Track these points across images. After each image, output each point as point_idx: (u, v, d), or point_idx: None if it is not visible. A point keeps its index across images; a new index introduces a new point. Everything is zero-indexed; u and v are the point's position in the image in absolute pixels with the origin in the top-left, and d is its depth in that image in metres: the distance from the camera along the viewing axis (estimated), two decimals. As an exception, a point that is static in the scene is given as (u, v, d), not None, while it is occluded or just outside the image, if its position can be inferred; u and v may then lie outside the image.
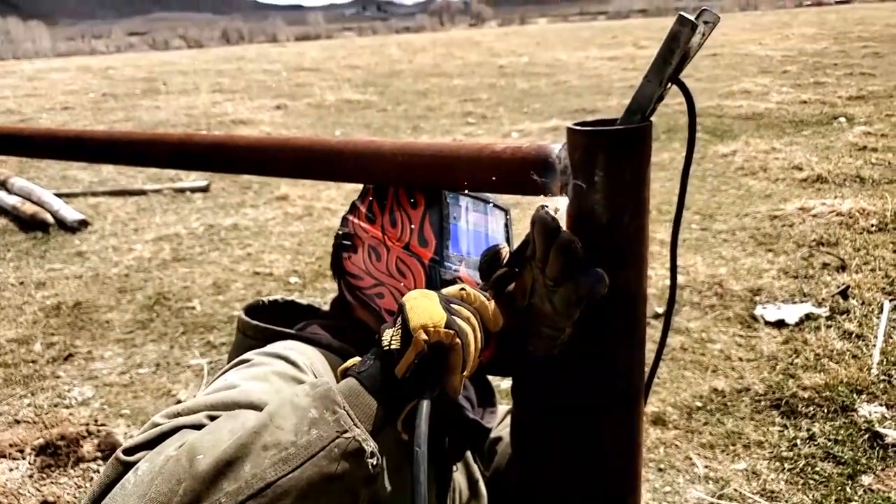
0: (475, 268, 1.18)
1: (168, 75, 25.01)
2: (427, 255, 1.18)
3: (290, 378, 1.03)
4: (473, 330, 0.89)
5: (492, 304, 0.94)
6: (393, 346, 0.86)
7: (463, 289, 0.94)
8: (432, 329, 0.85)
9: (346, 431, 0.80)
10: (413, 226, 1.20)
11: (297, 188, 7.95)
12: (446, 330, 0.86)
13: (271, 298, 1.38)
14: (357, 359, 0.92)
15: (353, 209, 1.30)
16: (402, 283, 1.20)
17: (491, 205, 1.29)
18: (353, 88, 18.24)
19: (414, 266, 1.19)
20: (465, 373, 0.89)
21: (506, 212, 1.33)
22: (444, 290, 0.94)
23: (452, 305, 0.90)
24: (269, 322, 1.24)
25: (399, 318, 0.88)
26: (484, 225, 1.27)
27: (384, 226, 1.23)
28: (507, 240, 1.32)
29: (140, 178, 8.94)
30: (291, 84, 20.12)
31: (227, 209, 7.71)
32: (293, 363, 1.06)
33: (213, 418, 0.88)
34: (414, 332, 0.84)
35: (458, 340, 0.86)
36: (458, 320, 0.88)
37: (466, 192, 1.23)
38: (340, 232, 1.31)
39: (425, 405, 0.85)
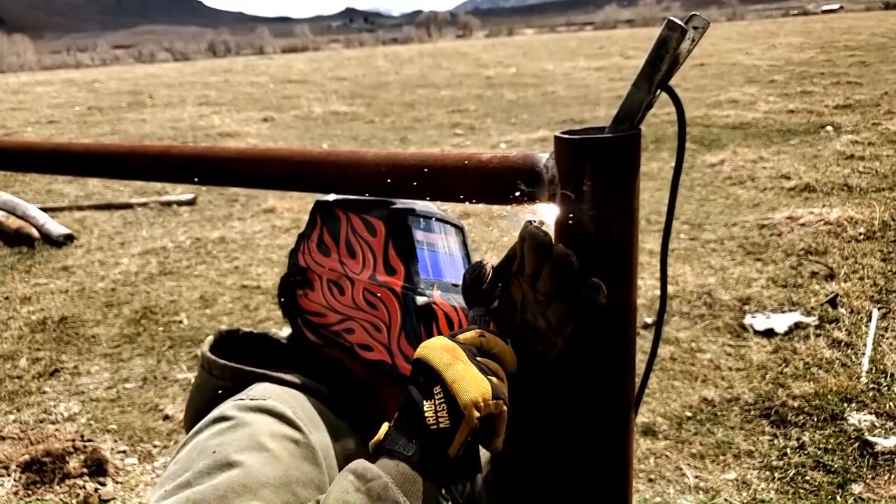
0: (446, 290, 1.15)
1: (154, 88, 24.98)
2: (397, 283, 1.13)
3: (283, 437, 0.98)
4: (504, 384, 0.85)
5: (508, 347, 0.89)
6: (442, 426, 0.80)
7: (482, 335, 0.88)
8: (483, 404, 0.80)
9: None
10: (376, 254, 1.15)
11: (285, 201, 7.92)
12: (496, 401, 0.81)
13: (230, 329, 1.29)
14: (386, 426, 0.85)
15: (302, 242, 1.24)
16: (375, 315, 1.15)
17: (445, 223, 1.25)
18: (341, 100, 18.24)
19: (385, 296, 1.13)
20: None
21: (460, 228, 1.29)
22: (461, 337, 0.87)
23: (480, 360, 0.85)
24: (231, 356, 1.16)
25: (438, 389, 0.81)
26: (444, 245, 1.23)
27: (342, 257, 1.18)
28: (467, 256, 1.28)
29: (126, 192, 8.89)
30: (278, 96, 20.12)
31: (214, 222, 7.67)
32: (281, 416, 1.01)
33: None
34: (466, 410, 0.79)
35: (504, 408, 0.82)
36: (496, 381, 0.83)
37: (419, 212, 1.19)
38: (291, 268, 1.24)
39: (480, 478, 0.82)
